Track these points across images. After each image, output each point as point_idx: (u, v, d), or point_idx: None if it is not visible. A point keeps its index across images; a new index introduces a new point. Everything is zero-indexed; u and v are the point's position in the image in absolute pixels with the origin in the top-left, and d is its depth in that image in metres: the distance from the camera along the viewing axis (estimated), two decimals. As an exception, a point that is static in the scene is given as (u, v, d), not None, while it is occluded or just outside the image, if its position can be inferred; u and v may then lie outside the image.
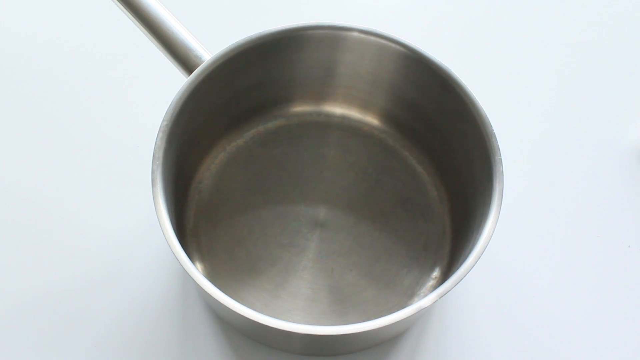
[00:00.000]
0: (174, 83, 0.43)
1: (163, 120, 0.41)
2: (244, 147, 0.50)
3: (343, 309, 0.45)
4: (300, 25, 0.45)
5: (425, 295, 0.37)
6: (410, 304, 0.37)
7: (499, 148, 0.41)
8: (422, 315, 0.47)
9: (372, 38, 0.45)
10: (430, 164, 0.50)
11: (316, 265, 0.46)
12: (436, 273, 0.46)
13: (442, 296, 0.37)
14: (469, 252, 0.38)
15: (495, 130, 0.42)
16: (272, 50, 0.46)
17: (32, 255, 0.48)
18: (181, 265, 0.37)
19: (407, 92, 0.48)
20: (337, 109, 0.52)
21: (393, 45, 0.45)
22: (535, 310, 0.48)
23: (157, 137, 0.41)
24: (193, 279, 0.37)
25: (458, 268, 0.38)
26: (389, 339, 0.46)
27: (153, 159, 0.40)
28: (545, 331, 0.47)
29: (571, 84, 0.58)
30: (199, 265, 0.46)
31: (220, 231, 0.47)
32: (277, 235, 0.47)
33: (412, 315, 0.36)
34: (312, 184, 0.49)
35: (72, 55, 0.56)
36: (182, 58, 0.43)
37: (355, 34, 0.45)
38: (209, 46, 0.44)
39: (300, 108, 0.51)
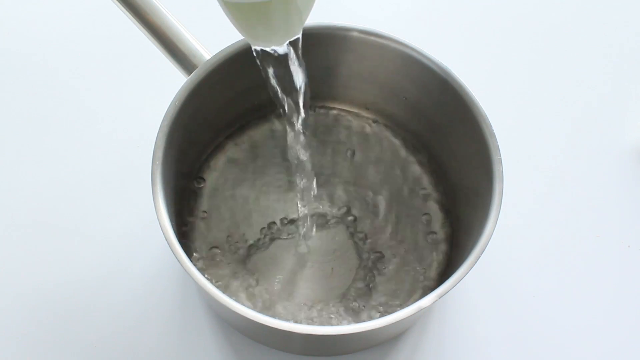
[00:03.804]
0: (174, 83, 0.43)
1: (163, 120, 0.41)
2: (244, 147, 0.50)
3: (343, 309, 0.45)
4: (300, 25, 0.45)
5: (425, 295, 0.37)
6: (410, 304, 0.37)
7: (499, 148, 0.41)
8: (422, 315, 0.47)
9: (372, 38, 0.45)
10: (430, 163, 0.50)
11: (316, 265, 0.46)
12: (436, 273, 0.46)
13: (442, 296, 0.37)
14: (469, 252, 0.38)
15: (495, 130, 0.42)
16: (272, 50, 0.46)
17: (32, 256, 0.48)
18: (181, 265, 0.37)
19: (407, 92, 0.48)
20: (337, 109, 0.52)
21: (393, 45, 0.45)
22: (535, 310, 0.48)
23: (157, 137, 0.41)
24: (193, 279, 0.37)
25: (458, 268, 0.38)
26: (389, 339, 0.46)
27: (153, 159, 0.40)
28: (545, 331, 0.47)
29: (571, 84, 0.58)
30: (199, 265, 0.46)
31: (220, 231, 0.47)
32: (277, 235, 0.47)
33: (412, 315, 0.36)
34: (312, 184, 0.49)
35: (72, 55, 0.57)
36: (182, 58, 0.43)
37: (355, 34, 0.45)
38: (209, 46, 0.44)
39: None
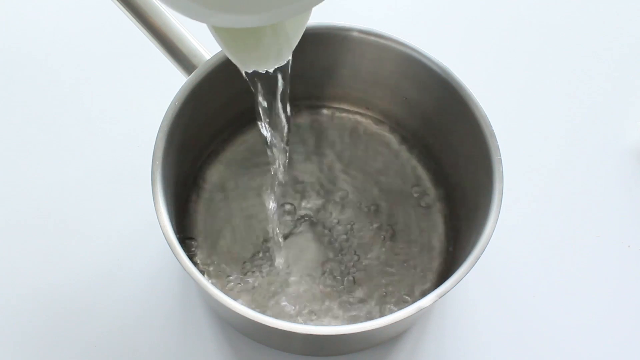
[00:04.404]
0: (174, 83, 0.43)
1: (163, 120, 0.41)
2: (244, 147, 0.50)
3: (343, 309, 0.45)
4: (300, 25, 0.45)
5: (425, 295, 0.37)
6: (410, 304, 0.37)
7: (498, 148, 0.41)
8: (422, 315, 0.47)
9: (372, 38, 0.45)
10: (430, 163, 0.50)
11: (316, 264, 0.46)
12: (436, 273, 0.46)
13: (442, 296, 0.37)
14: (469, 252, 0.38)
15: (495, 130, 0.42)
16: (272, 50, 0.46)
17: (32, 256, 0.48)
18: (181, 265, 0.37)
19: (407, 92, 0.48)
20: (337, 109, 0.52)
21: (393, 45, 0.45)
22: (535, 311, 0.48)
23: (157, 137, 0.41)
24: (193, 279, 0.37)
25: (458, 268, 0.38)
26: (389, 339, 0.46)
27: (153, 159, 0.40)
28: (544, 331, 0.47)
29: (571, 83, 0.58)
30: (199, 265, 0.46)
31: (221, 231, 0.47)
32: (278, 234, 0.47)
33: (412, 315, 0.36)
34: (312, 184, 0.49)
35: (72, 55, 0.57)
36: (182, 58, 0.43)
37: (355, 34, 0.45)
38: (209, 46, 0.44)
39: (300, 108, 0.51)
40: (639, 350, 0.47)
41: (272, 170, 0.43)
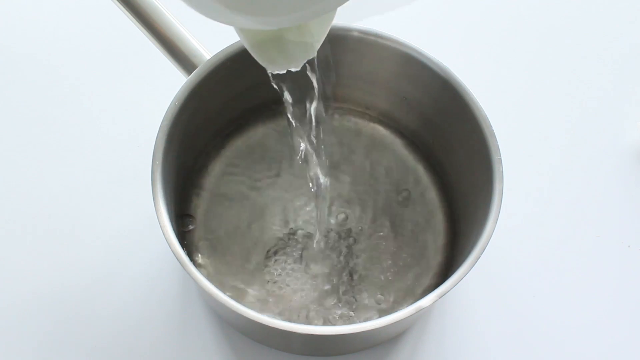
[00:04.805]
0: (174, 83, 0.43)
1: (163, 120, 0.41)
2: (244, 147, 0.50)
3: (343, 309, 0.45)
4: (300, 25, 0.45)
5: (425, 295, 0.37)
6: (410, 304, 0.37)
7: (499, 148, 0.41)
8: (422, 315, 0.47)
9: (372, 38, 0.45)
10: (430, 163, 0.50)
11: (315, 265, 0.46)
12: (436, 272, 0.46)
13: (442, 296, 0.37)
14: (469, 252, 0.38)
15: (495, 130, 0.42)
16: (272, 50, 0.46)
17: (32, 256, 0.48)
18: (181, 265, 0.37)
19: (407, 92, 0.48)
20: (336, 109, 0.52)
21: (393, 45, 0.45)
22: (535, 311, 0.48)
23: (157, 137, 0.41)
24: (193, 279, 0.37)
25: (458, 268, 0.38)
26: (389, 339, 0.46)
27: (153, 159, 0.40)
28: (544, 331, 0.47)
29: (571, 83, 0.58)
30: (199, 265, 0.46)
31: (221, 231, 0.47)
32: (278, 234, 0.47)
33: (412, 315, 0.37)
34: (312, 184, 0.49)
35: (72, 55, 0.57)
36: (182, 58, 0.43)
37: (355, 34, 0.45)
38: (209, 46, 0.44)
39: (299, 108, 0.51)
40: (639, 350, 0.47)
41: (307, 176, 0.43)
